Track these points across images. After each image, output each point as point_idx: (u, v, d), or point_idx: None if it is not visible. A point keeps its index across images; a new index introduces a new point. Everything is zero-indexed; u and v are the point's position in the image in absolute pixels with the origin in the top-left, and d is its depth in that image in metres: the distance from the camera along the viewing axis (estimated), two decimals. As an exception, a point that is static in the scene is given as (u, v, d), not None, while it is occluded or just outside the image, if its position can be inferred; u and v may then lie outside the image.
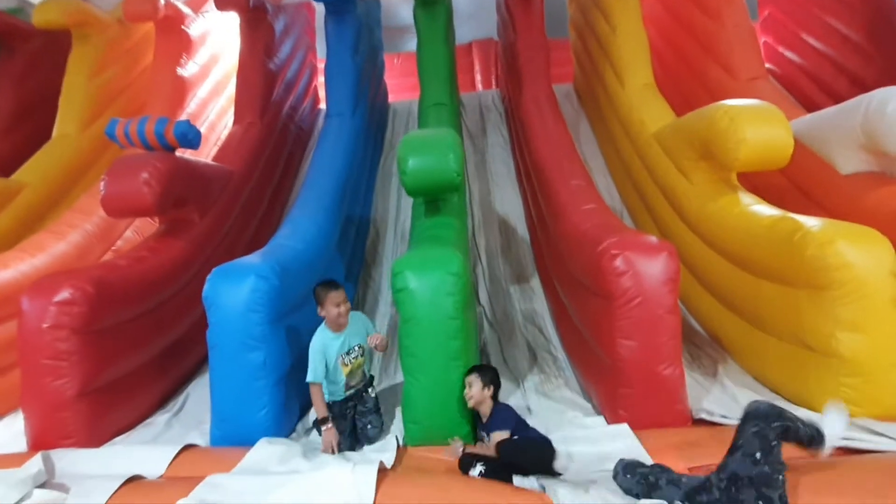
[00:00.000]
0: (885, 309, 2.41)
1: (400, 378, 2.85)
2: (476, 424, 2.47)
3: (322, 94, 6.22)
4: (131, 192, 3.39)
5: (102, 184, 3.45)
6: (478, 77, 8.93)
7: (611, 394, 2.54)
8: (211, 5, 5.43)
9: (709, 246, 3.39)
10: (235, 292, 2.57)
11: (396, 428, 2.66)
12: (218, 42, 5.88)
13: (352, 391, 2.63)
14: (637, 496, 1.87)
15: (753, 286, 2.94)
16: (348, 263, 4.24)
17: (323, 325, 2.57)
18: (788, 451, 1.76)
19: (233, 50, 5.59)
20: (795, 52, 5.17)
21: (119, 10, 5.12)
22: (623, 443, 2.11)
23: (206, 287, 2.61)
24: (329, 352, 2.53)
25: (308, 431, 2.78)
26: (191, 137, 3.70)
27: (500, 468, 2.09)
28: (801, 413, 2.01)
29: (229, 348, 2.56)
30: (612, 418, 2.50)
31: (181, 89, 5.13)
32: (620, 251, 2.46)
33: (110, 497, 1.96)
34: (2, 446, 2.81)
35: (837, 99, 3.66)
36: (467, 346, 2.54)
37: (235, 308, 2.55)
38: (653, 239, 2.61)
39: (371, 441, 2.61)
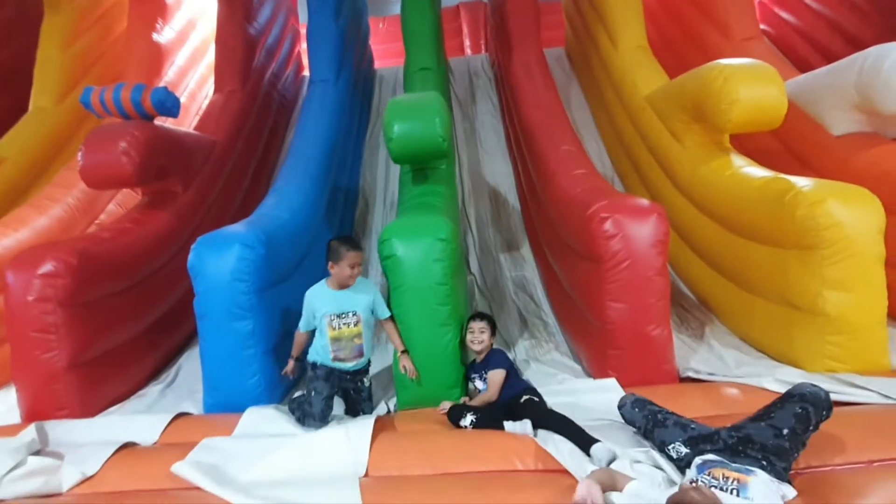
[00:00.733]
0: (872, 267, 2.42)
1: (391, 347, 2.85)
2: (464, 386, 2.49)
3: (306, 60, 6.03)
4: (110, 163, 3.30)
5: (80, 155, 3.35)
6: (466, 41, 8.68)
7: (600, 355, 2.56)
8: (186, -33, 5.19)
9: (699, 210, 3.38)
10: (221, 261, 2.53)
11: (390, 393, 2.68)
12: (195, 6, 5.64)
13: (339, 365, 2.38)
14: (638, 429, 1.89)
15: (743, 249, 2.95)
16: (337, 234, 4.18)
17: (325, 279, 2.43)
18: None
19: (211, 15, 5.36)
20: (790, 12, 5.05)
21: (89, -26, 4.88)
22: (610, 395, 2.13)
23: (190, 256, 2.57)
24: (317, 305, 2.37)
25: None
26: (169, 105, 3.58)
27: (492, 415, 2.10)
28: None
29: (217, 318, 2.53)
30: (601, 377, 2.52)
31: (157, 56, 4.94)
32: (610, 214, 2.44)
33: (105, 462, 1.96)
34: (-1, 417, 2.81)
35: (833, 60, 3.59)
36: (457, 311, 2.53)
37: (222, 277, 2.51)
38: (642, 201, 2.59)
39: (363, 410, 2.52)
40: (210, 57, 5.39)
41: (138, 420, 2.52)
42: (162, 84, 4.80)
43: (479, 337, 2.44)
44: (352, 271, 2.36)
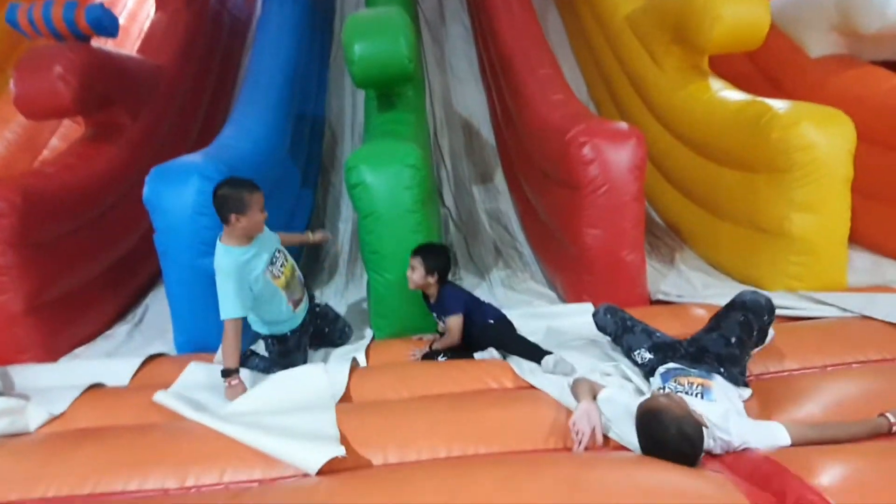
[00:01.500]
0: (839, 189, 2.48)
1: (366, 280, 2.82)
2: None
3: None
4: (46, 90, 2.99)
5: (12, 82, 3.01)
6: (436, -42, 8.00)
7: (575, 281, 2.60)
8: None
9: (675, 137, 3.35)
10: (179, 195, 2.37)
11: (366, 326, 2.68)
12: None
13: (303, 310, 2.20)
14: (609, 335, 1.99)
15: (715, 174, 2.98)
16: (304, 168, 4.00)
17: (221, 244, 2.00)
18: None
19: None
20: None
21: None
22: (585, 318, 2.18)
23: (145, 190, 2.39)
24: (248, 270, 1.99)
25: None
26: (106, 24, 3.22)
27: (461, 354, 2.14)
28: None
29: (180, 255, 2.41)
30: (576, 303, 2.57)
31: (89, -31, 4.37)
32: (588, 139, 2.37)
33: (73, 402, 1.91)
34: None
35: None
36: (430, 240, 2.48)
37: (182, 212, 2.36)
38: (621, 125, 2.53)
39: (343, 340, 2.42)
40: (149, -29, 4.82)
41: (109, 363, 2.46)
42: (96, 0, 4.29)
43: (408, 274, 2.17)
44: (263, 214, 2.00)
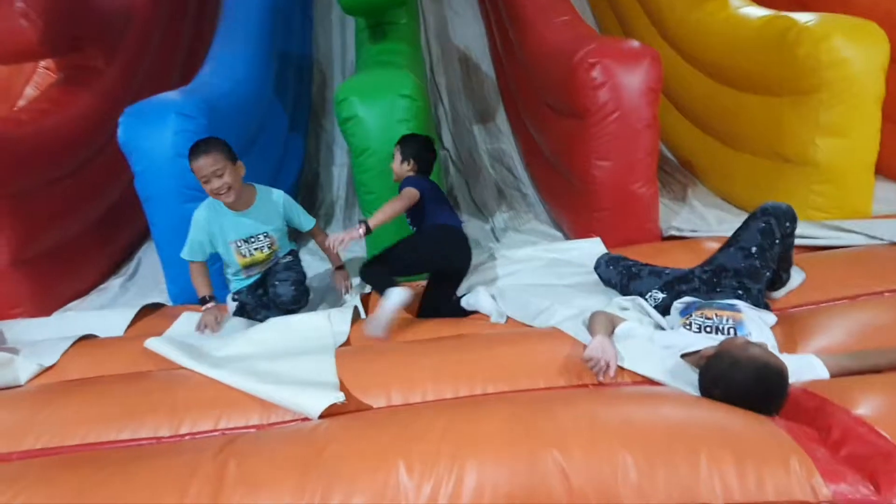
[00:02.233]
0: (870, 108, 2.30)
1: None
2: None
3: None
4: (8, 30, 2.75)
5: (-33, 21, 2.76)
6: None
7: (583, 219, 2.46)
8: None
9: (689, 62, 3.11)
10: (157, 135, 2.21)
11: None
12: None
13: (256, 275, 2.09)
14: (615, 286, 1.86)
15: (733, 101, 2.77)
16: (292, 112, 3.77)
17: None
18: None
19: None
20: None
21: None
22: (594, 251, 2.07)
23: (119, 131, 2.23)
24: (217, 230, 1.97)
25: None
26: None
27: (437, 297, 1.94)
28: None
29: (165, 199, 2.28)
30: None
31: None
32: (598, 59, 2.16)
33: (64, 353, 1.84)
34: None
35: None
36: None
37: (162, 153, 2.21)
38: (634, 44, 2.31)
39: (283, 299, 2.01)
40: None
41: (103, 314, 2.39)
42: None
43: (391, 165, 2.01)
44: (209, 186, 1.85)
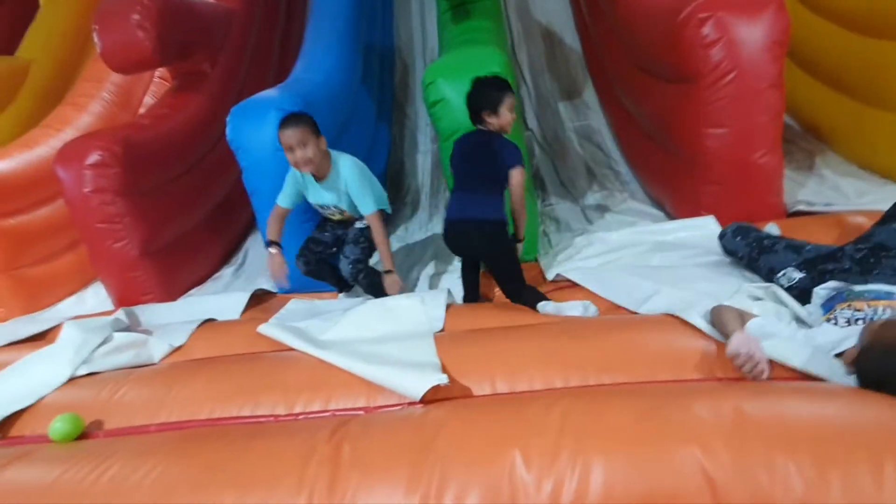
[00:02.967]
0: None
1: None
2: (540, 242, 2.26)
3: None
4: (127, 41, 3.04)
5: (95, 37, 3.10)
6: None
7: (690, 194, 2.23)
8: None
9: (815, 11, 2.69)
10: (260, 131, 2.33)
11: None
12: None
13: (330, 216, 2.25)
14: (741, 259, 1.63)
15: (875, 52, 2.35)
16: (378, 101, 3.84)
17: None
18: None
19: None
20: None
21: None
22: (706, 231, 1.84)
23: (227, 129, 2.39)
24: (304, 189, 2.13)
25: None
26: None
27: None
28: None
29: (269, 192, 2.40)
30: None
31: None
32: (711, 13, 1.92)
33: (191, 334, 2.02)
34: (94, 309, 3.02)
35: None
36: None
37: (264, 147, 2.33)
38: (753, -9, 2.02)
39: (342, 273, 2.19)
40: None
41: (220, 298, 2.61)
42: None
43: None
44: (292, 155, 1.94)
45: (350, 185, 2.06)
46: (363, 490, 0.93)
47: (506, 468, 0.89)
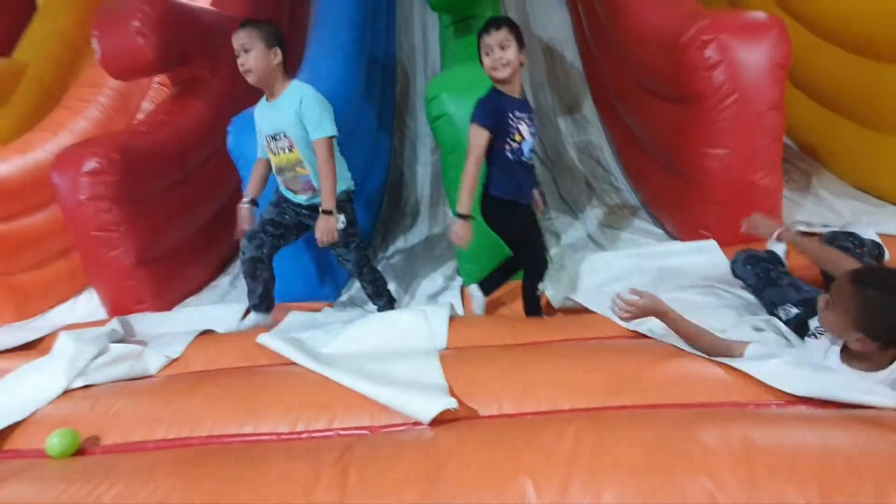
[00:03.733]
0: None
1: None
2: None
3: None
4: (127, 47, 3.03)
5: (94, 42, 3.08)
6: None
7: (692, 214, 2.25)
8: None
9: (814, 32, 2.74)
10: (261, 141, 2.32)
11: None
12: None
13: (291, 196, 1.99)
14: (749, 286, 1.70)
15: (873, 74, 2.40)
16: (379, 112, 3.85)
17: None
18: None
19: None
20: None
21: None
22: (709, 257, 1.86)
23: (228, 140, 2.38)
24: (256, 120, 1.94)
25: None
26: (178, -24, 3.17)
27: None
28: None
29: (268, 202, 2.39)
30: (693, 240, 2.24)
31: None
32: (714, 35, 1.95)
33: (187, 346, 1.99)
34: (87, 317, 2.97)
35: None
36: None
37: (264, 159, 2.32)
38: (757, 15, 2.06)
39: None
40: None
41: (216, 309, 2.58)
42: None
43: (501, 55, 1.67)
44: (239, 60, 1.77)
45: (306, 104, 1.83)
46: (371, 516, 0.91)
47: (517, 497, 0.88)
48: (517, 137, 1.77)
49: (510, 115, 1.75)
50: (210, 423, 1.39)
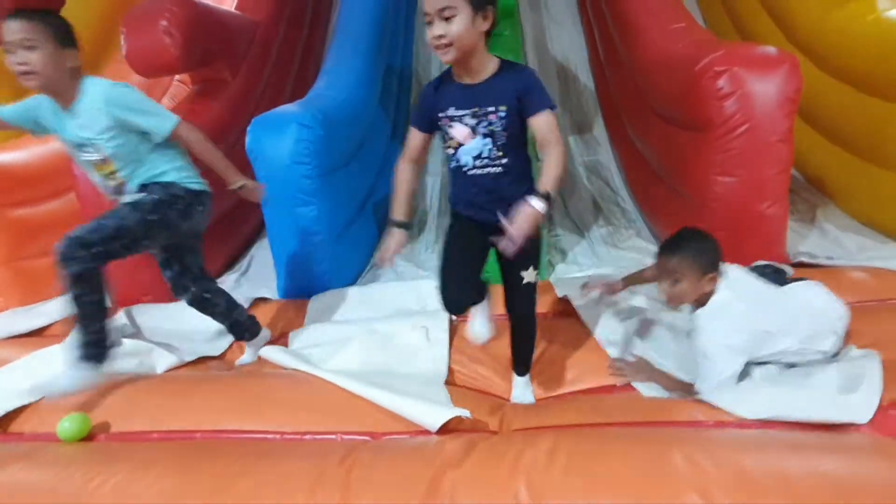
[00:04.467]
0: None
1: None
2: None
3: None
4: (153, 46, 3.10)
5: (122, 38, 3.16)
6: None
7: (697, 238, 2.28)
8: None
9: (823, 69, 2.79)
10: (279, 143, 2.37)
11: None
12: None
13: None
14: None
15: (879, 112, 2.45)
16: (394, 120, 3.91)
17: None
18: None
19: None
20: None
21: None
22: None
23: (248, 139, 2.42)
24: (47, 121, 1.54)
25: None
26: (205, -23, 3.25)
27: None
28: None
29: (281, 204, 2.44)
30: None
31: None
32: (727, 67, 2.00)
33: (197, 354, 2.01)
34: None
35: None
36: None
37: (281, 161, 2.37)
38: (769, 49, 2.11)
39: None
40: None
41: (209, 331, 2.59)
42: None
43: (439, 33, 1.21)
44: (22, 56, 1.35)
45: (121, 104, 1.50)
46: (372, 518, 0.94)
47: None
48: (452, 143, 1.36)
49: (441, 114, 1.33)
50: (215, 417, 1.42)
